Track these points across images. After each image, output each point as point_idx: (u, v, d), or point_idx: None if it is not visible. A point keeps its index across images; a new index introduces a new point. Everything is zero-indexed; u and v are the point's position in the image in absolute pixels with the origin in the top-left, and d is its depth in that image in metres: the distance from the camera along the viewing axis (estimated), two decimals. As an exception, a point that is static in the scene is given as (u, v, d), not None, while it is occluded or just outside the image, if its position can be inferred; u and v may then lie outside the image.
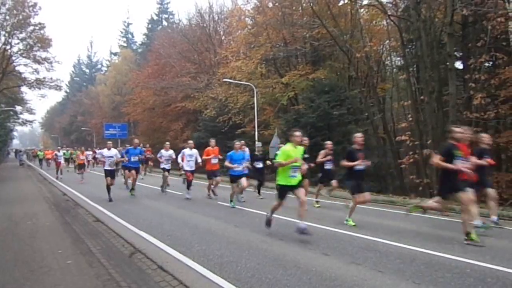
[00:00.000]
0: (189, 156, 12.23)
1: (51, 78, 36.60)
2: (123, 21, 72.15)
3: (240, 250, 5.76)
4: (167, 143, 15.09)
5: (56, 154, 22.10)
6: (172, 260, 5.33)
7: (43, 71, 36.06)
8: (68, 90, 75.79)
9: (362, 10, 20.47)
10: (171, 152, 14.24)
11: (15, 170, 31.68)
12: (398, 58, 21.34)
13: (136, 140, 13.87)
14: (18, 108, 42.28)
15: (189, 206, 10.62)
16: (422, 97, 15.41)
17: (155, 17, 55.44)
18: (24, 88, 38.88)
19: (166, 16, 55.38)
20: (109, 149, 12.33)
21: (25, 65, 35.58)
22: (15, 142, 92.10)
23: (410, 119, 16.15)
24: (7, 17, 32.44)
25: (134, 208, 10.22)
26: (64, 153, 26.05)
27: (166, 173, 14.02)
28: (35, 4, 32.89)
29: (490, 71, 14.64)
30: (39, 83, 36.25)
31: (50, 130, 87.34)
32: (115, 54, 64.95)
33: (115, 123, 44.86)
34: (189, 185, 12.32)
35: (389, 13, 17.20)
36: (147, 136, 38.79)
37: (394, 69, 22.02)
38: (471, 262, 5.09)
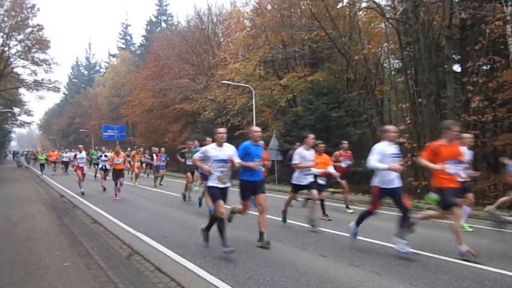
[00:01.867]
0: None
1: (49, 80, 36.59)
2: (122, 23, 72.43)
3: (237, 252, 5.74)
4: (311, 135, 7.87)
5: (75, 156, 16.65)
6: (169, 261, 5.32)
7: (41, 73, 36.24)
8: (66, 92, 75.86)
9: (360, 12, 20.52)
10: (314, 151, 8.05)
11: (12, 172, 31.58)
12: (397, 61, 21.39)
13: (257, 130, 6.61)
14: (16, 109, 42.18)
15: (186, 208, 10.61)
16: (420, 100, 15.46)
17: (154, 19, 55.57)
18: (22, 90, 38.83)
19: (165, 18, 55.52)
20: (220, 145, 5.91)
21: (23, 66, 35.59)
22: (13, 144, 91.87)
23: (408, 121, 16.19)
24: (5, 19, 32.43)
25: (132, 210, 10.19)
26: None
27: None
28: (33, 6, 32.91)
29: (488, 74, 14.70)
30: (37, 85, 36.20)
31: (48, 132, 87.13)
32: (113, 55, 65.13)
33: (114, 124, 44.82)
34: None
35: (388, 16, 17.27)
36: (145, 138, 38.79)
37: (393, 72, 22.08)
38: (469, 264, 5.10)
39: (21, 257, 5.65)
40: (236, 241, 6.45)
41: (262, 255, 5.60)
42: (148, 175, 21.58)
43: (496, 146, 14.53)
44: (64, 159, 26.73)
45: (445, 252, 5.71)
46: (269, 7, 25.14)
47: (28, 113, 42.56)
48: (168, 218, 8.91)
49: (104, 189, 14.51)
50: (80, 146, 16.52)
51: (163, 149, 18.92)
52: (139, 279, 4.61)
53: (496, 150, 15.18)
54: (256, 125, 21.96)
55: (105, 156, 14.55)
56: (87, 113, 60.91)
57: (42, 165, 27.67)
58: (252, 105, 22.31)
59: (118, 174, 12.51)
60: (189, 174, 11.35)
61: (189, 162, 11.08)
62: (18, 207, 10.93)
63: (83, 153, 15.38)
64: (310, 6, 21.00)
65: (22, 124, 45.57)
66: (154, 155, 18.19)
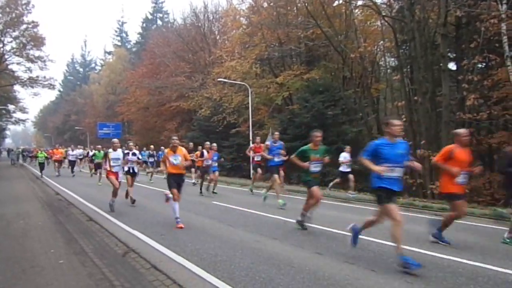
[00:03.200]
0: None
1: (44, 77, 36.63)
2: (118, 20, 72.27)
3: (233, 250, 5.75)
4: None
5: (105, 156, 11.03)
6: (165, 259, 5.31)
7: (36, 70, 36.11)
8: (61, 89, 75.56)
9: (356, 10, 20.57)
10: None
11: (7, 170, 31.37)
12: (392, 59, 21.46)
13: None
14: (11, 107, 42.14)
15: (183, 206, 10.55)
16: (415, 98, 15.51)
17: (150, 16, 55.44)
18: (17, 87, 38.88)
19: (161, 15, 55.38)
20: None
21: (18, 63, 35.63)
22: (8, 141, 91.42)
23: (404, 119, 16.22)
24: (0, 15, 32.24)
25: (127, 208, 10.16)
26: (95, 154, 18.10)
27: None
28: (28, 2, 32.89)
29: (483, 72, 14.78)
30: (32, 82, 36.16)
31: (43, 129, 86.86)
32: (109, 53, 64.97)
33: (109, 122, 44.75)
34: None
35: (384, 14, 17.30)
36: (141, 136, 38.72)
37: (388, 70, 22.16)
38: (463, 261, 5.13)
39: (16, 255, 5.63)
40: (232, 239, 6.47)
41: (258, 253, 5.60)
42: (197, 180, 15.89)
43: (491, 144, 14.62)
44: (71, 158, 22.56)
45: (440, 249, 5.74)
46: (265, 5, 25.11)
47: (23, 110, 42.60)
48: (164, 216, 8.87)
49: (134, 201, 10.57)
50: (115, 140, 10.37)
51: (214, 144, 13.86)
52: (135, 277, 4.61)
53: (491, 148, 15.29)
54: (252, 123, 22.07)
55: (133, 154, 10.79)
56: (83, 111, 60.74)
57: (41, 165, 22.32)
58: (248, 103, 22.29)
59: (176, 180, 7.84)
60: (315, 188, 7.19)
61: (315, 168, 7.02)
62: (13, 205, 10.86)
63: (119, 152, 10.08)
64: (306, 4, 20.99)
65: (17, 122, 45.60)
66: (204, 151, 13.44)
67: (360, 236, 6.51)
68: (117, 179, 9.74)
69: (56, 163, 22.90)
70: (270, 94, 23.02)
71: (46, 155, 24.64)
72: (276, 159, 9.92)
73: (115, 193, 9.58)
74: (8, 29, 33.06)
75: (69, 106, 68.19)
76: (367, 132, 19.49)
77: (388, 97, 21.42)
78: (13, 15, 32.66)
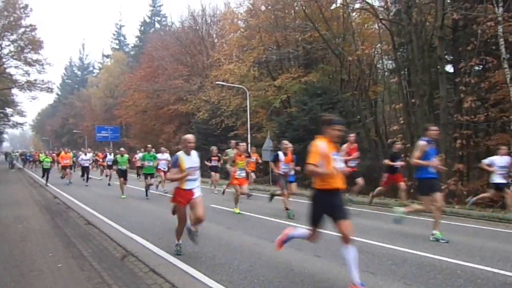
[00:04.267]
0: None
1: (42, 80, 36.51)
2: (116, 23, 72.44)
3: (232, 252, 5.75)
4: None
5: (174, 165, 5.62)
6: (164, 262, 5.31)
7: (34, 73, 36.02)
8: (59, 93, 75.53)
9: (354, 13, 20.64)
10: None
11: (5, 174, 31.27)
12: (390, 62, 21.53)
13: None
14: (9, 110, 42.04)
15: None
16: (413, 100, 15.57)
17: (148, 20, 55.45)
18: (14, 90, 38.70)
19: (159, 18, 55.40)
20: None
21: (16, 67, 35.53)
22: (6, 144, 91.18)
23: (402, 122, 16.31)
24: (-2, 19, 32.27)
25: (126, 211, 10.15)
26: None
27: None
28: (26, 6, 32.90)
29: (480, 74, 14.85)
30: (30, 85, 36.06)
31: (41, 132, 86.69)
32: (107, 56, 64.86)
33: (107, 125, 44.66)
34: None
35: (381, 17, 17.39)
36: (139, 139, 38.67)
37: (386, 73, 22.22)
38: (462, 263, 5.14)
39: (14, 259, 5.61)
40: (230, 242, 6.46)
41: (256, 256, 5.60)
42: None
43: (489, 146, 14.67)
44: (84, 163, 18.80)
45: (438, 251, 5.75)
46: (263, 8, 25.18)
47: (20, 113, 42.52)
48: (162, 219, 8.87)
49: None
50: (189, 137, 5.82)
51: (290, 145, 9.63)
52: (133, 281, 4.60)
53: (489, 150, 15.32)
54: (250, 126, 22.08)
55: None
56: (81, 114, 60.60)
57: (46, 170, 18.66)
58: (246, 106, 22.31)
59: (334, 203, 4.26)
60: None
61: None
62: (11, 208, 10.82)
63: (195, 156, 5.77)
64: (303, 7, 21.06)
65: (15, 125, 45.39)
66: (280, 153, 9.43)
67: (358, 239, 6.52)
68: (189, 202, 5.54)
69: (66, 170, 19.36)
70: (268, 97, 23.07)
71: (51, 159, 20.99)
72: (430, 169, 6.48)
73: (181, 230, 5.71)
74: (6, 33, 33.03)
75: (67, 110, 68.07)
76: (365, 134, 19.52)
77: (386, 100, 21.48)
78: (11, 18, 32.64)
